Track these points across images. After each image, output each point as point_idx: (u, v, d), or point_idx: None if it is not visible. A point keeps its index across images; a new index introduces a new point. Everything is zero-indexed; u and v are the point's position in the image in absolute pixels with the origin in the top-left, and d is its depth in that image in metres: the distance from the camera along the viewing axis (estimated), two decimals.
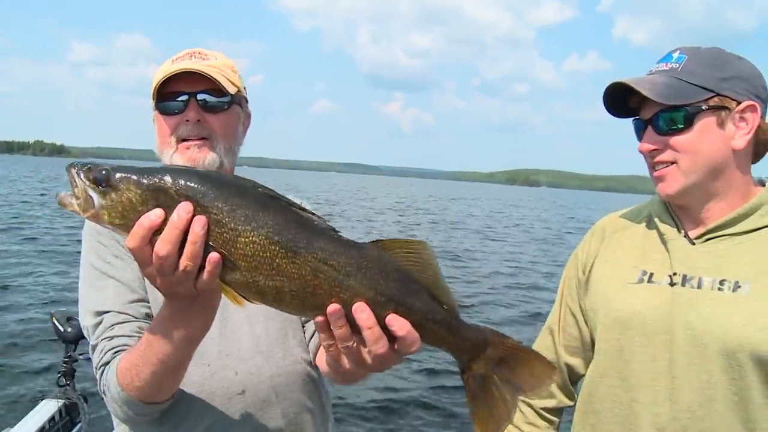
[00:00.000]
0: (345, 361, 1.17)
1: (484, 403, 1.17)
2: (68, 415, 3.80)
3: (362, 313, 1.05)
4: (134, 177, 1.07)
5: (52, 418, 3.69)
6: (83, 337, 3.70)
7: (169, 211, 1.03)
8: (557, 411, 1.98)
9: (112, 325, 1.58)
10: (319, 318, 1.08)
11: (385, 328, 1.07)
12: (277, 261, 1.04)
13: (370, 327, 1.05)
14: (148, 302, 1.66)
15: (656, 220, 1.76)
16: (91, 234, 1.72)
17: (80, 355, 3.79)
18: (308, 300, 1.06)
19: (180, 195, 1.05)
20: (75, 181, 1.08)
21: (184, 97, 1.75)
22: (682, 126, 1.58)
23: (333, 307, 1.05)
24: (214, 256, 1.03)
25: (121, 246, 1.67)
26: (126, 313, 1.61)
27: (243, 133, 1.89)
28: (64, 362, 3.79)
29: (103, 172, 1.07)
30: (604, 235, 1.88)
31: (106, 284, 1.65)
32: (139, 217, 1.04)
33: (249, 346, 1.70)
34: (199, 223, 1.02)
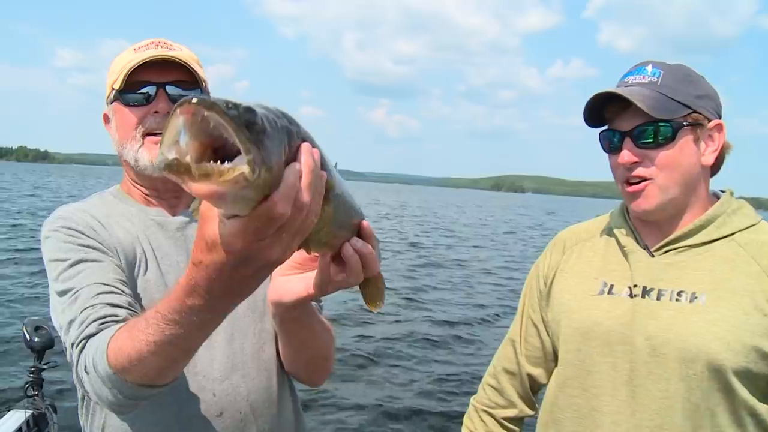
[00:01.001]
0: (330, 288, 1.25)
1: (367, 282, 1.28)
2: (36, 425, 3.73)
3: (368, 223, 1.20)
4: (270, 115, 0.81)
5: (19, 429, 3.61)
6: (51, 347, 3.65)
7: (288, 156, 0.85)
8: (518, 420, 2.00)
9: (96, 294, 1.41)
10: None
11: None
12: (349, 202, 1.11)
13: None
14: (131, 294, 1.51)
15: (616, 232, 1.79)
16: (59, 231, 1.56)
17: (45, 364, 3.72)
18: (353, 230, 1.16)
19: (299, 137, 0.88)
20: (226, 128, 0.73)
21: (151, 88, 1.64)
22: (666, 140, 1.60)
23: (366, 223, 1.19)
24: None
25: (97, 241, 1.56)
26: (112, 285, 1.45)
27: None
28: (31, 372, 3.72)
29: (247, 107, 0.76)
30: (565, 247, 1.92)
31: (83, 267, 1.48)
32: (280, 171, 0.82)
33: (225, 364, 1.62)
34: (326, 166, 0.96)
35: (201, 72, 1.71)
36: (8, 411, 3.77)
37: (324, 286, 1.24)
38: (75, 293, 1.44)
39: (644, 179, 1.63)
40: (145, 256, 1.63)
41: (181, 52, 1.70)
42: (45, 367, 3.70)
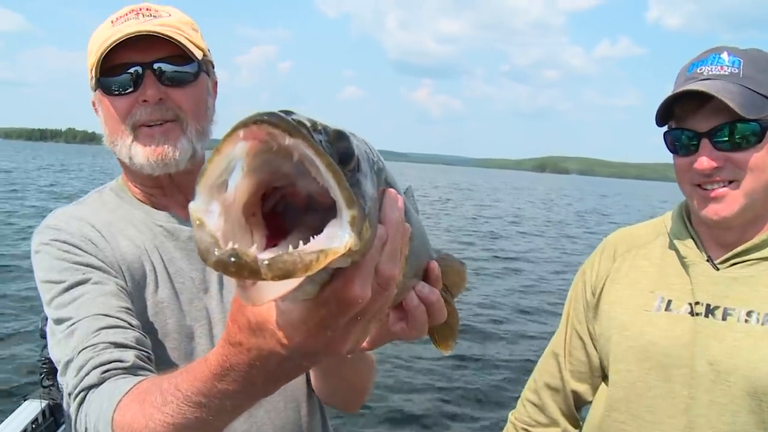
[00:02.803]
0: (386, 340, 0.99)
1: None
2: (52, 416, 3.70)
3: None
4: (358, 142, 0.60)
5: (35, 420, 3.58)
6: None
7: None
8: None
9: (97, 330, 1.21)
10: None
11: None
12: (421, 245, 0.88)
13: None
14: (140, 324, 1.30)
15: (675, 240, 1.62)
16: (51, 245, 1.36)
17: None
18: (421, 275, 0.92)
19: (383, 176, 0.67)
20: (317, 166, 0.51)
21: (136, 69, 1.39)
22: (750, 142, 1.41)
23: (434, 264, 0.93)
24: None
25: (98, 258, 1.35)
26: (116, 317, 1.25)
27: (213, 108, 1.54)
28: (45, 362, 3.62)
29: (339, 132, 0.56)
30: (616, 253, 1.74)
31: (81, 292, 1.28)
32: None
33: None
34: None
35: (196, 39, 1.45)
36: (24, 401, 3.71)
37: (380, 340, 0.99)
38: (72, 325, 1.24)
39: (724, 183, 1.44)
40: (155, 273, 1.43)
41: (168, 18, 1.44)
42: None
